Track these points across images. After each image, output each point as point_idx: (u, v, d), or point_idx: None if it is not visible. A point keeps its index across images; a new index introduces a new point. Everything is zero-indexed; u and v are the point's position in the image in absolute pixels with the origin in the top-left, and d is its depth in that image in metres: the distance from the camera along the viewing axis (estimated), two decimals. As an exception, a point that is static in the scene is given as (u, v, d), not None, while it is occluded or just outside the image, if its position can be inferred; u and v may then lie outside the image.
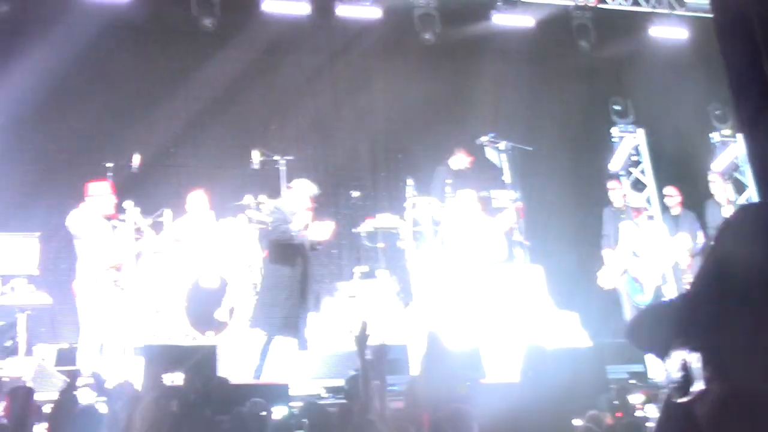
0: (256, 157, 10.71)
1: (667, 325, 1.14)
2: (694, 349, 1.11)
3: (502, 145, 11.66)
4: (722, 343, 1.08)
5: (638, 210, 9.68)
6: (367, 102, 12.56)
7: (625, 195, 11.51)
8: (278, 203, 9.07)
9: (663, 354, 1.16)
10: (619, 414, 5.90)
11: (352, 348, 8.42)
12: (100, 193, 8.82)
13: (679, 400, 1.11)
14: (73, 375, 6.55)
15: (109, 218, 8.79)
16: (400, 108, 12.71)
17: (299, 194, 8.90)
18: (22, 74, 10.20)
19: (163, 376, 6.69)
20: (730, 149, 11.92)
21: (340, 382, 7.55)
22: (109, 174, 9.74)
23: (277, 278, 8.54)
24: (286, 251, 8.62)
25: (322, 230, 8.90)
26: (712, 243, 1.18)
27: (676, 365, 1.13)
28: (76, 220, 8.62)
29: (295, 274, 8.57)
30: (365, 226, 10.85)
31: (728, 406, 1.07)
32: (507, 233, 9.64)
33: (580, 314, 10.71)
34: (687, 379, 1.10)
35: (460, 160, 11.81)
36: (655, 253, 9.55)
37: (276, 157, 10.82)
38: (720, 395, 1.06)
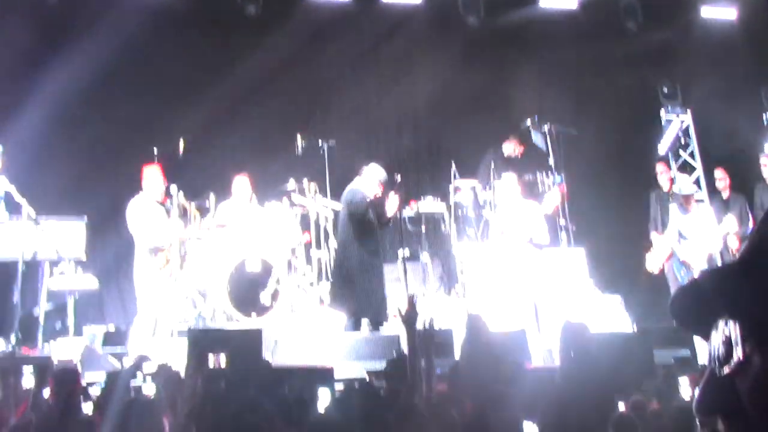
0: (299, 141, 10.74)
1: (710, 298, 1.10)
2: (736, 321, 1.07)
3: (547, 128, 11.57)
4: (765, 317, 1.04)
5: (688, 197, 9.50)
6: (410, 86, 12.48)
7: (672, 179, 11.33)
8: (355, 186, 9.25)
9: (705, 327, 1.12)
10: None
11: (396, 331, 8.51)
12: (153, 177, 8.97)
13: (721, 374, 1.08)
14: (139, 359, 6.62)
15: (161, 203, 8.93)
16: (443, 92, 12.62)
17: (371, 178, 9.22)
18: (70, 63, 10.37)
19: (208, 358, 6.76)
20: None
21: (382, 365, 7.54)
22: (156, 159, 9.84)
23: (360, 260, 8.96)
24: (367, 232, 9.04)
25: (391, 205, 9.20)
26: (762, 218, 1.13)
27: (718, 338, 1.09)
28: (136, 206, 8.80)
29: (377, 254, 9.13)
30: (408, 210, 10.84)
31: None
32: (549, 217, 9.53)
33: (624, 298, 10.60)
34: (729, 352, 1.06)
35: (512, 147, 11.73)
36: (703, 236, 9.38)
37: (319, 142, 10.84)
38: (762, 368, 1.02)
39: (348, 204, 9.14)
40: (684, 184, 9.68)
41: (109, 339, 9.01)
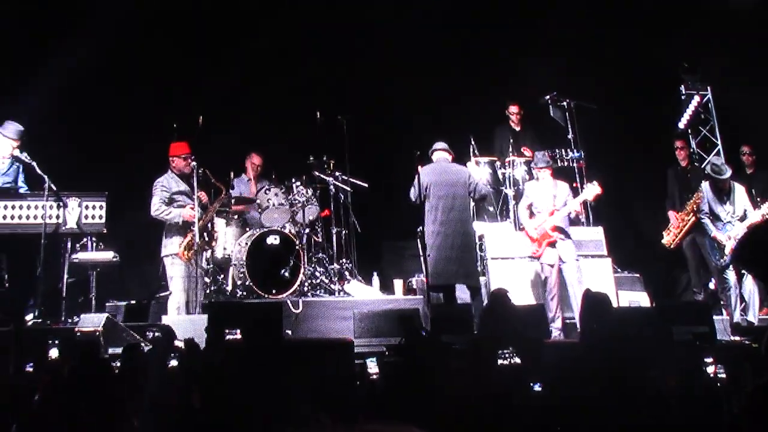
0: (318, 117, 10.72)
1: None
2: None
3: (566, 103, 11.50)
4: None
5: (724, 182, 9.38)
6: (425, 58, 12.34)
7: (689, 155, 11.23)
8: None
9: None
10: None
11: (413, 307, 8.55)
12: (184, 152, 9.00)
13: None
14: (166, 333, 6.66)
15: (187, 180, 8.96)
16: (460, 65, 12.50)
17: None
18: (87, 40, 10.39)
19: (227, 332, 6.80)
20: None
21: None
22: (177, 135, 9.85)
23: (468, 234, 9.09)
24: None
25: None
26: None
27: None
28: (166, 183, 8.88)
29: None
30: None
31: None
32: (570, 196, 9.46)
33: (643, 275, 10.56)
34: None
35: (512, 114, 11.78)
36: (730, 213, 9.28)
37: (338, 116, 10.82)
38: None
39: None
40: (718, 167, 9.53)
41: (131, 313, 9.07)
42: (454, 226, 8.92)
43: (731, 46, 11.96)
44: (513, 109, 12.03)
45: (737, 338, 8.37)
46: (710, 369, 6.08)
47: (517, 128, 12.01)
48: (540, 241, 9.26)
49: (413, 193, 9.01)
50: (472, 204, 9.98)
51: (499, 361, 5.78)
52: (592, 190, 9.30)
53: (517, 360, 5.72)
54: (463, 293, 9.17)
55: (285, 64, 12.01)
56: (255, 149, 10.80)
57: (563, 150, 11.04)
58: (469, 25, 12.64)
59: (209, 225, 9.20)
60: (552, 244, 9.20)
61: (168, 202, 8.88)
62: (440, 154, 9.44)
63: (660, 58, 12.19)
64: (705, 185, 9.60)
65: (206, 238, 8.95)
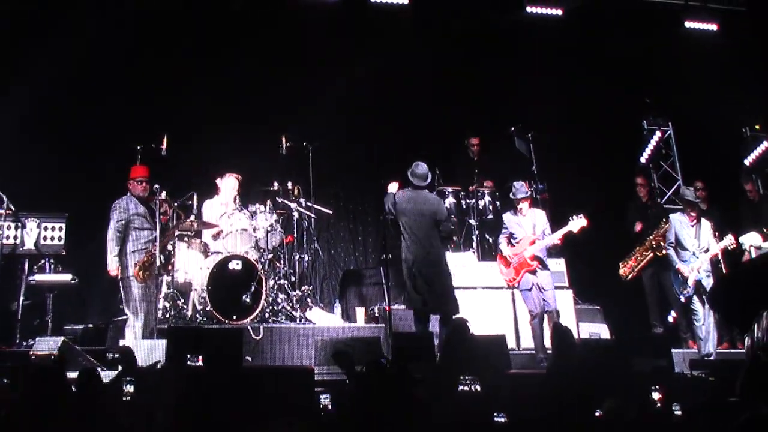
0: (284, 142, 10.75)
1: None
2: None
3: (530, 135, 11.66)
4: None
5: (693, 205, 9.54)
6: (396, 89, 12.46)
7: (648, 190, 11.41)
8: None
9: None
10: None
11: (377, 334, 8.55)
12: (142, 176, 8.93)
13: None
14: (127, 355, 6.57)
15: (146, 202, 8.88)
16: (428, 96, 12.61)
17: None
18: (48, 61, 10.32)
19: (187, 358, 6.75)
20: (763, 145, 11.84)
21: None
22: (138, 157, 9.81)
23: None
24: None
25: None
26: None
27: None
28: (124, 205, 8.76)
29: None
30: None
31: None
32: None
33: (603, 307, 10.68)
34: None
35: (473, 146, 11.99)
36: (695, 246, 9.44)
37: (303, 144, 10.86)
38: None
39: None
40: (687, 193, 9.72)
41: (89, 337, 8.96)
42: (423, 255, 8.84)
43: (694, 83, 12.24)
44: (474, 141, 12.19)
45: (696, 372, 8.49)
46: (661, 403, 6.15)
47: (475, 158, 12.16)
48: (518, 269, 9.33)
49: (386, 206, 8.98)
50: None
51: (460, 387, 5.82)
52: (578, 222, 9.32)
53: (478, 387, 5.77)
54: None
55: (251, 86, 11.99)
56: (226, 170, 10.64)
57: (527, 182, 11.17)
58: (434, 55, 12.77)
59: (167, 249, 9.10)
60: (531, 272, 9.27)
61: (126, 223, 8.74)
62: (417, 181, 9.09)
63: (622, 94, 12.45)
64: (674, 216, 9.75)
65: (162, 262, 8.82)
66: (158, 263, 8.65)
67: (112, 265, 8.60)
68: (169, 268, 9.26)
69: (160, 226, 8.78)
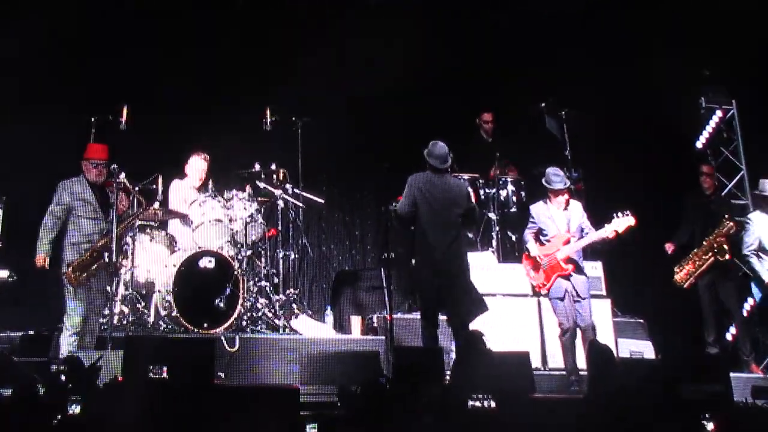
0: (268, 116, 10.72)
1: None
2: None
3: (564, 113, 11.58)
4: None
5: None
6: (400, 52, 12.36)
7: (714, 182, 11.29)
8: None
9: None
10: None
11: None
12: (98, 158, 8.79)
13: None
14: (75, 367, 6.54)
15: (105, 186, 8.78)
16: (438, 62, 12.51)
17: None
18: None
19: (149, 370, 6.72)
20: None
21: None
22: (93, 131, 9.77)
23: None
24: None
25: None
26: None
27: None
28: (69, 187, 8.65)
29: None
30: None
31: None
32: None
33: (647, 320, 10.65)
34: None
35: (485, 123, 12.08)
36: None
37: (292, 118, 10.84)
38: None
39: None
40: None
41: (28, 346, 8.95)
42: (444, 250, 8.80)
43: (762, 52, 12.12)
44: (486, 117, 12.14)
45: (761, 402, 8.46)
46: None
47: (489, 139, 12.11)
48: (548, 273, 9.29)
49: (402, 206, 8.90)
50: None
51: (470, 403, 5.81)
52: (624, 221, 9.22)
53: (493, 404, 5.76)
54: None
55: (229, 47, 11.92)
56: (196, 150, 10.64)
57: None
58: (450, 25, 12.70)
59: (122, 242, 8.99)
60: (564, 277, 9.23)
61: (68, 209, 8.63)
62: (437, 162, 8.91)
63: (676, 63, 12.35)
64: (755, 216, 9.71)
65: (111, 259, 8.64)
66: (105, 262, 8.49)
67: (39, 252, 8.45)
68: (120, 264, 9.15)
69: (117, 217, 8.69)
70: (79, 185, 8.67)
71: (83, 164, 8.77)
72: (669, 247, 10.95)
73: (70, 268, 8.36)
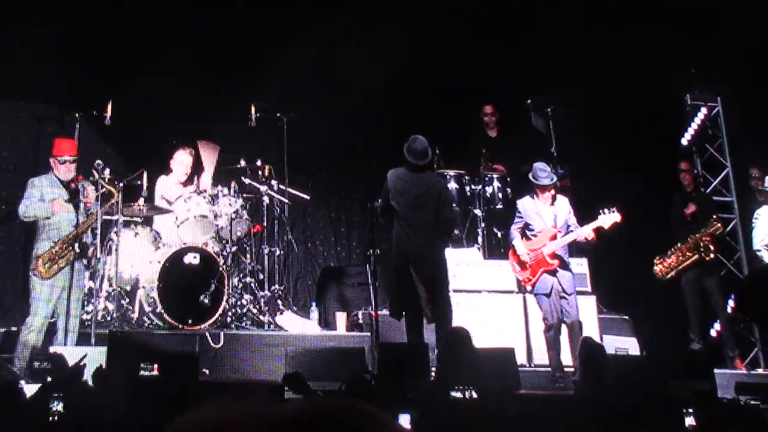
0: (253, 113, 10.68)
1: None
2: None
3: (550, 110, 11.58)
4: None
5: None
6: (390, 45, 12.30)
7: (693, 179, 11.31)
8: None
9: None
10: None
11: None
12: (66, 155, 8.67)
13: None
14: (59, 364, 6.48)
15: (73, 183, 8.67)
16: (430, 55, 12.46)
17: None
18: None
19: (131, 370, 6.69)
20: None
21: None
22: (77, 126, 9.71)
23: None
24: None
25: None
26: None
27: None
28: (38, 184, 8.56)
29: None
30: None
31: None
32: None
33: (632, 317, 10.67)
34: None
35: (485, 116, 11.97)
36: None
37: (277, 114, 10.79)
38: None
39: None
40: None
41: (10, 343, 8.88)
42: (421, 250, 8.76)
43: (746, 50, 12.14)
44: (487, 109, 12.09)
45: (744, 397, 8.48)
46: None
47: (493, 134, 12.08)
48: (534, 269, 9.25)
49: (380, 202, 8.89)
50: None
51: (452, 394, 5.80)
52: (610, 217, 9.22)
53: (474, 394, 5.76)
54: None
55: (214, 40, 11.83)
56: (182, 145, 10.56)
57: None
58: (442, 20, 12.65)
59: (90, 233, 8.82)
60: (550, 273, 9.19)
61: (35, 207, 8.52)
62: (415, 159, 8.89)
63: (662, 62, 12.36)
64: (762, 210, 9.75)
65: (77, 249, 8.51)
66: (76, 253, 8.37)
67: (57, 204, 8.42)
68: (107, 261, 9.10)
69: (86, 210, 8.60)
70: (46, 181, 8.57)
71: (51, 161, 8.65)
72: (690, 209, 10.92)
73: (40, 261, 8.26)
